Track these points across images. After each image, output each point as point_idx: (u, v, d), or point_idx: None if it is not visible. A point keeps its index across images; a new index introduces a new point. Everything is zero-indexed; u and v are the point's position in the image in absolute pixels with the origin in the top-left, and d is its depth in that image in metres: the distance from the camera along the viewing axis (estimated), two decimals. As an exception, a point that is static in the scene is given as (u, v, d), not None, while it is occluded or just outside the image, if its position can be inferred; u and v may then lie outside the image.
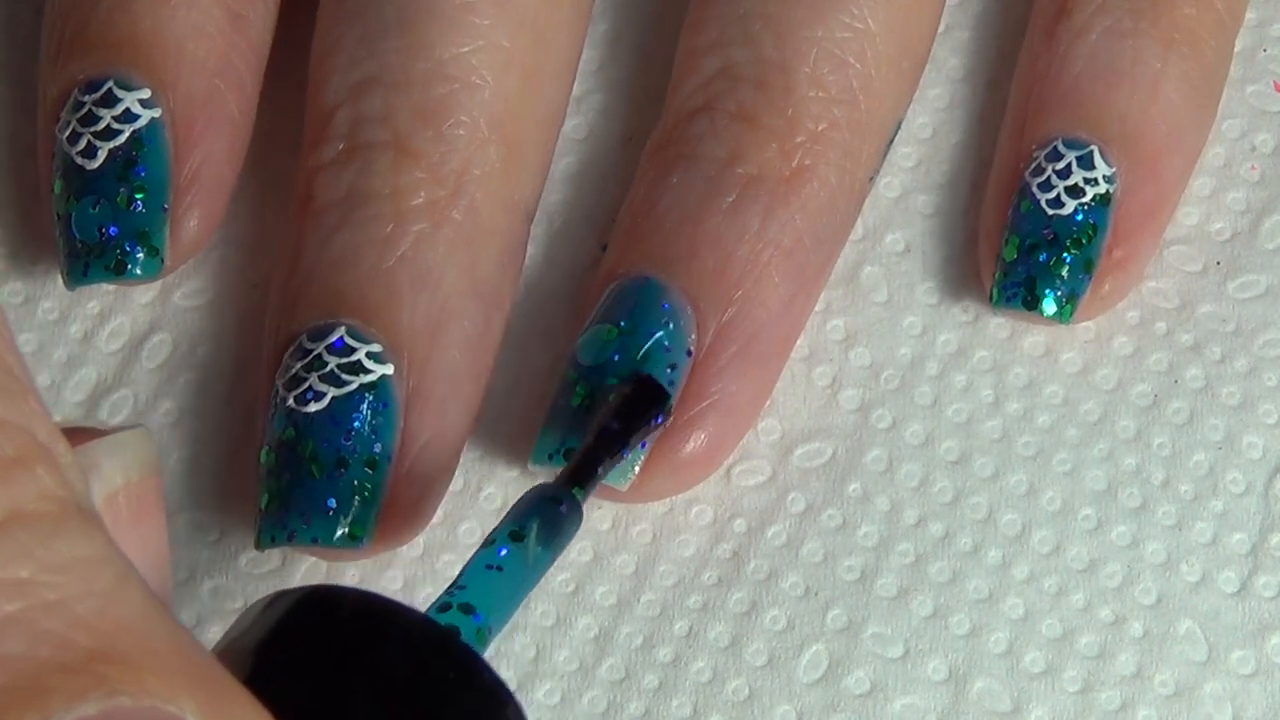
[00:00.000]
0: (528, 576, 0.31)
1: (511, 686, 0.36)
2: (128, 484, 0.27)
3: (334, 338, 0.36)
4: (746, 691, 0.37)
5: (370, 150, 0.37)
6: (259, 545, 0.36)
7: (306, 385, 0.36)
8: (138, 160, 0.38)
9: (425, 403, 0.36)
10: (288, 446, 0.36)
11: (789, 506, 0.38)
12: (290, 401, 0.36)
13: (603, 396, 0.36)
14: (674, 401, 0.36)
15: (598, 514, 0.38)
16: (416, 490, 0.36)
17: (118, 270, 0.38)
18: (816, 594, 0.37)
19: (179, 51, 0.39)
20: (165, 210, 0.38)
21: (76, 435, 0.26)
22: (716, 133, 0.38)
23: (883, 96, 0.39)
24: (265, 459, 0.36)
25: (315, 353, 0.36)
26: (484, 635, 0.30)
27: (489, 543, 0.31)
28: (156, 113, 0.38)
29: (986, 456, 0.39)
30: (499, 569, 0.31)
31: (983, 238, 0.40)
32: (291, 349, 0.36)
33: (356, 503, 0.35)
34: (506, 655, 0.37)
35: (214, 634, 0.37)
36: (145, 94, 0.38)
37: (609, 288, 0.38)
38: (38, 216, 0.41)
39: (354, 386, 0.36)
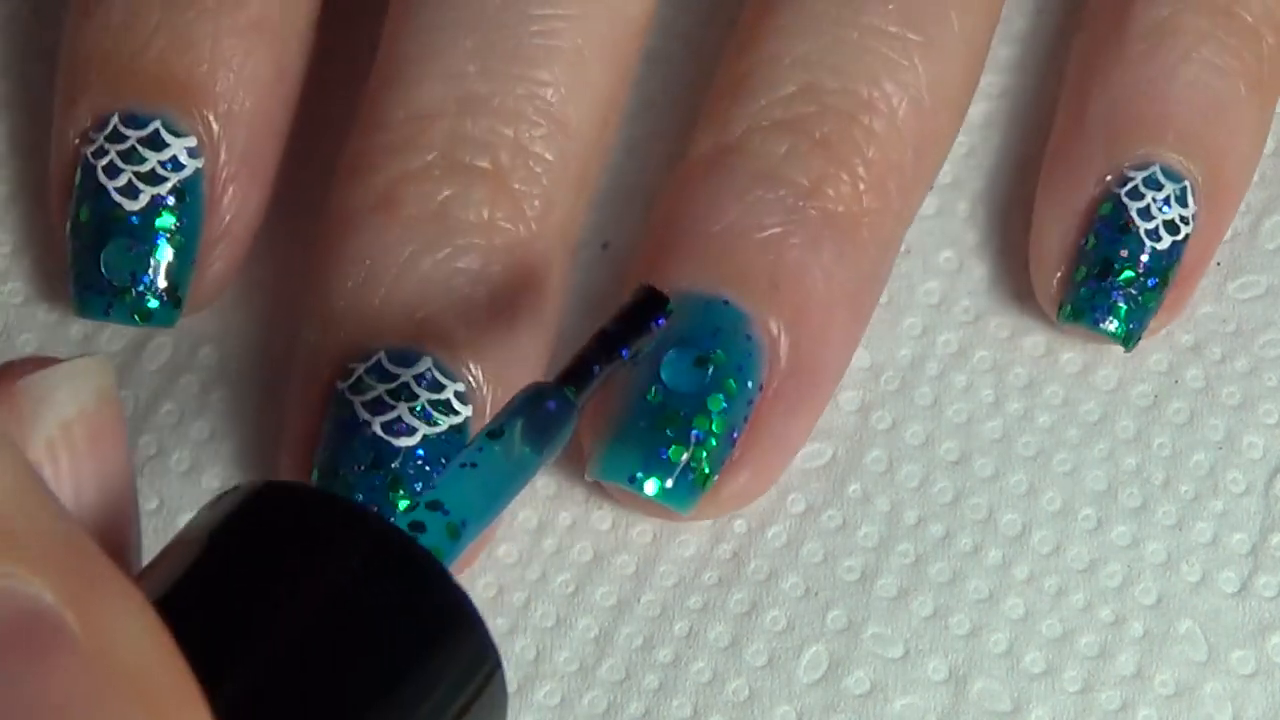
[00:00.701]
0: (508, 473, 0.30)
1: (511, 689, 0.37)
2: (82, 412, 0.26)
3: (422, 368, 0.36)
4: (746, 692, 0.37)
5: (468, 174, 0.37)
6: None
7: (395, 415, 0.35)
8: (178, 211, 0.38)
9: None
10: (369, 475, 0.35)
11: (789, 507, 0.38)
12: (377, 429, 0.35)
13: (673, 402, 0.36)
14: (737, 436, 0.36)
15: (598, 514, 0.38)
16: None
17: (142, 319, 0.38)
18: (816, 594, 0.38)
19: (232, 104, 0.38)
20: (193, 263, 0.38)
21: (32, 365, 0.26)
22: (799, 157, 0.37)
23: (943, 145, 0.39)
24: (336, 477, 0.35)
25: (402, 380, 0.35)
26: (455, 530, 0.28)
27: (466, 447, 0.30)
28: (200, 163, 0.38)
29: (986, 457, 0.39)
30: (472, 466, 0.29)
31: (1049, 236, 0.39)
32: (368, 365, 0.36)
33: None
34: (506, 656, 0.37)
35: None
36: (192, 142, 0.38)
37: (681, 297, 0.36)
38: (38, 216, 0.41)
39: (444, 428, 0.36)
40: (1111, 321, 0.38)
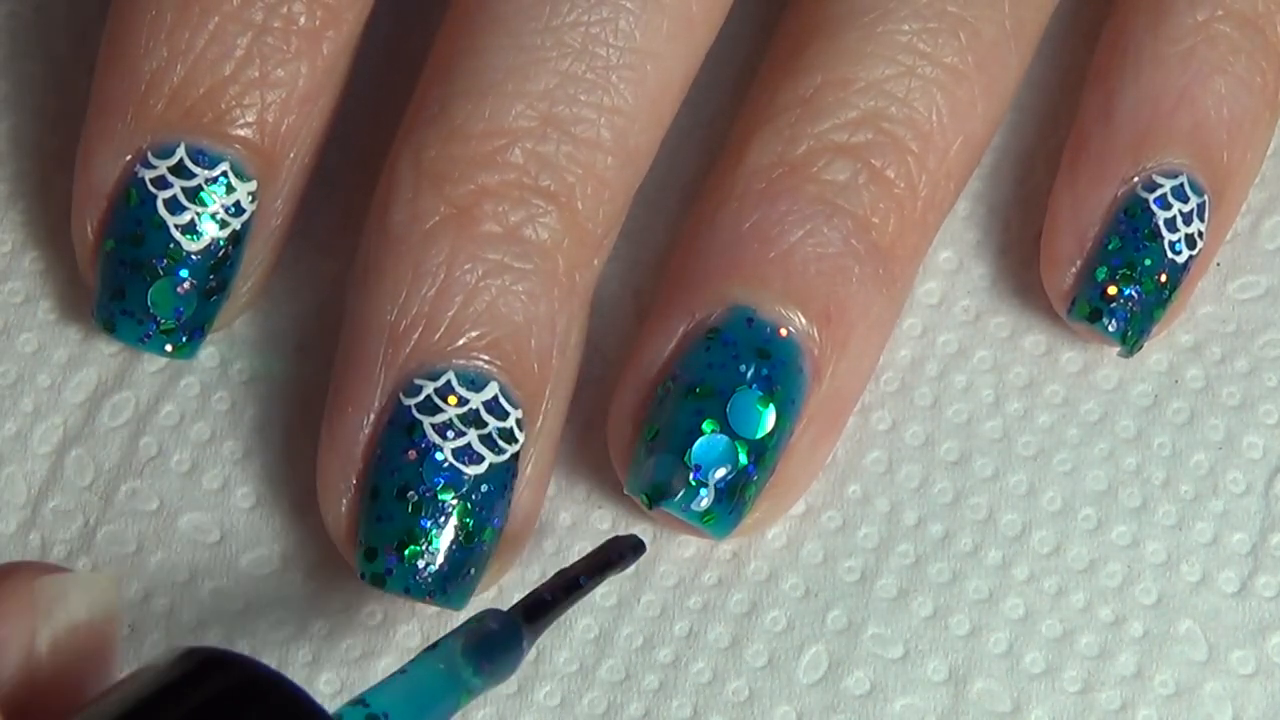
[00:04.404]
0: (442, 686, 0.31)
1: (511, 689, 0.37)
2: (90, 620, 0.28)
3: (489, 395, 0.36)
4: (746, 692, 0.37)
5: (544, 198, 0.36)
6: (380, 585, 0.35)
7: (465, 441, 0.35)
8: (232, 257, 0.38)
9: (539, 477, 0.37)
10: (437, 499, 0.35)
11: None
12: (449, 454, 0.35)
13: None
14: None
15: (597, 514, 0.38)
16: (503, 562, 0.37)
17: (176, 352, 0.38)
18: (816, 595, 0.38)
19: (300, 154, 0.38)
20: (228, 299, 0.38)
21: (41, 568, 0.28)
22: (858, 188, 0.37)
23: (971, 173, 0.39)
24: (398, 494, 0.35)
25: (473, 406, 0.36)
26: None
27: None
28: (255, 206, 0.38)
29: (986, 457, 0.39)
30: (403, 672, 0.31)
31: (1066, 230, 0.39)
32: (438, 384, 0.36)
33: (474, 573, 0.36)
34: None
35: (214, 637, 0.37)
36: (254, 186, 0.38)
37: (738, 316, 0.36)
38: (38, 215, 0.41)
39: (507, 456, 0.36)
40: (1121, 326, 0.38)
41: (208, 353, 0.40)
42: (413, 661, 0.31)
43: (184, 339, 0.38)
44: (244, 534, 0.38)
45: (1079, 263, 0.39)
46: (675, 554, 0.38)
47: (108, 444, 0.39)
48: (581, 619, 0.37)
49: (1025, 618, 0.37)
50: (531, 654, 0.37)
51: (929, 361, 0.40)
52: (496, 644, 0.31)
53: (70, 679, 0.28)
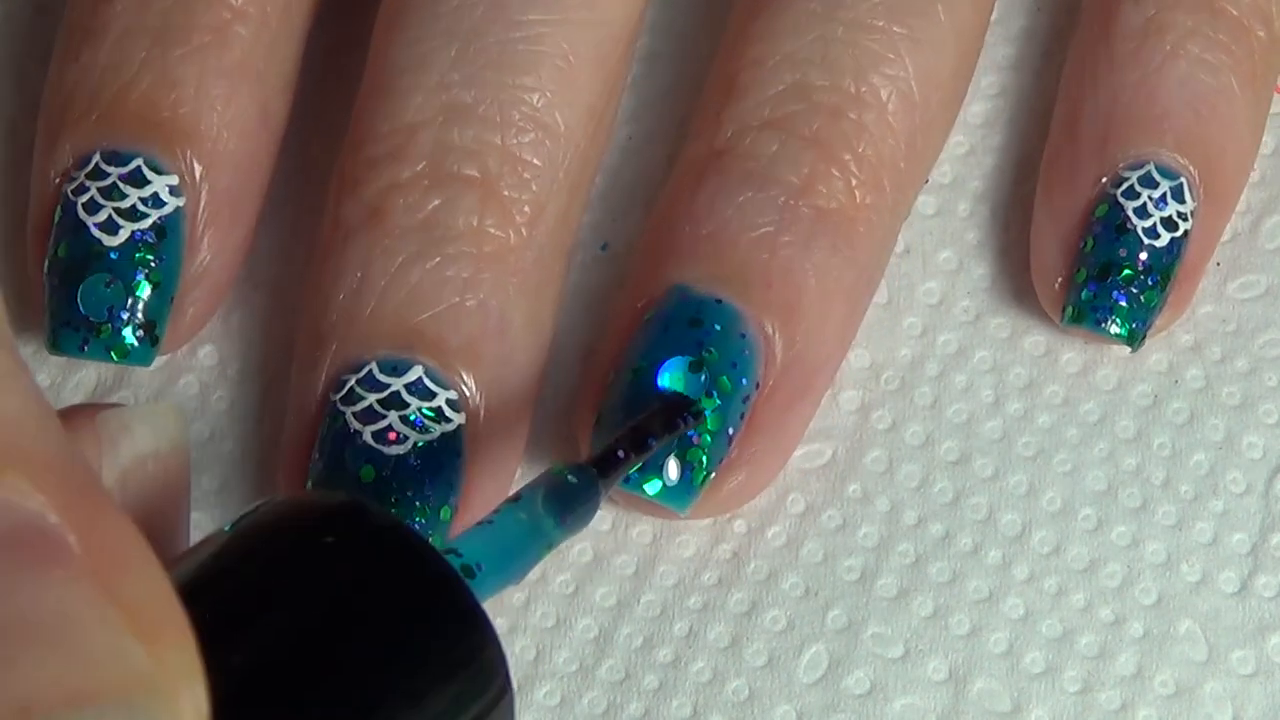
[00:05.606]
0: (525, 535, 0.31)
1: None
2: (157, 453, 0.28)
3: (413, 377, 0.36)
4: (746, 692, 0.37)
5: (455, 183, 0.37)
6: None
7: (386, 423, 0.35)
8: (158, 248, 0.37)
9: (488, 458, 0.36)
10: (366, 486, 0.35)
11: (789, 507, 0.38)
12: (368, 437, 0.35)
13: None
14: (734, 434, 0.36)
15: (597, 515, 0.38)
16: None
17: (119, 355, 0.37)
18: (816, 594, 0.38)
19: (216, 145, 0.38)
20: (171, 301, 0.38)
21: (108, 407, 0.28)
22: (790, 156, 0.37)
23: (935, 140, 0.39)
24: (329, 488, 0.35)
25: (393, 389, 0.36)
26: (470, 570, 0.30)
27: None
28: (181, 201, 0.38)
29: (986, 457, 0.39)
30: (489, 523, 0.31)
31: (1048, 241, 0.39)
32: (360, 375, 0.36)
33: None
34: (505, 656, 0.37)
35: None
36: (174, 180, 0.37)
37: (674, 295, 0.37)
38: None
39: (436, 435, 0.36)
40: (1114, 323, 0.38)
41: (206, 351, 0.40)
42: (497, 512, 0.31)
43: (125, 339, 0.37)
44: (243, 534, 0.38)
45: (1063, 271, 0.39)
46: (675, 554, 0.38)
47: (107, 444, 0.39)
48: (581, 619, 0.37)
49: (1025, 618, 0.37)
50: (532, 653, 0.37)
51: (929, 361, 0.40)
52: (575, 496, 0.32)
53: (141, 515, 0.27)
